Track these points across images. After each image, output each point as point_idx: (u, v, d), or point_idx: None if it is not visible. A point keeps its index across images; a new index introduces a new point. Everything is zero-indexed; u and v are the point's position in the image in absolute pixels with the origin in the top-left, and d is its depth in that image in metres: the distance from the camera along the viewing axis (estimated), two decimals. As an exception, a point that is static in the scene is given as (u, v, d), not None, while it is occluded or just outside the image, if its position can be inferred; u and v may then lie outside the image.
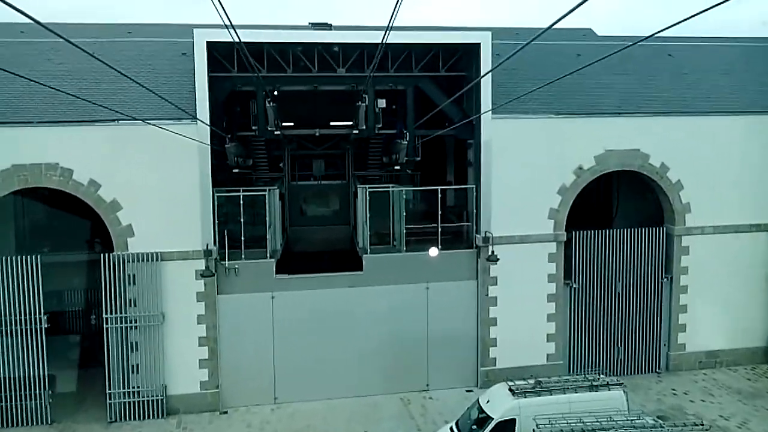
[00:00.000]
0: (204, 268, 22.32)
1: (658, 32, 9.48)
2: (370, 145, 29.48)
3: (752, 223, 26.62)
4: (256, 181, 31.35)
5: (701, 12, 8.27)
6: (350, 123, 28.25)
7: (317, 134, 28.69)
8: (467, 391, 24.86)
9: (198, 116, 21.84)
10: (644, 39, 10.42)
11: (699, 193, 26.09)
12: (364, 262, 24.39)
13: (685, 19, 8.69)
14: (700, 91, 27.14)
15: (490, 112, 23.51)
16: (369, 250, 24.55)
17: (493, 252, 23.90)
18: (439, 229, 24.83)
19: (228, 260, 23.17)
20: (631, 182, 28.45)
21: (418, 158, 27.23)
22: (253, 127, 26.48)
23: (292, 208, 33.20)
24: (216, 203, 23.03)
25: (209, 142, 22.52)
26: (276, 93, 25.29)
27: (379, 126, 26.74)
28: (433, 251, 24.26)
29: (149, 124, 20.09)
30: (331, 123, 29.60)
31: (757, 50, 30.36)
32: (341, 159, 34.08)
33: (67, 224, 25.29)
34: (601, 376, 19.75)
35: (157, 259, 22.49)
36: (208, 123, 22.13)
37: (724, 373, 26.42)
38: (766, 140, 26.49)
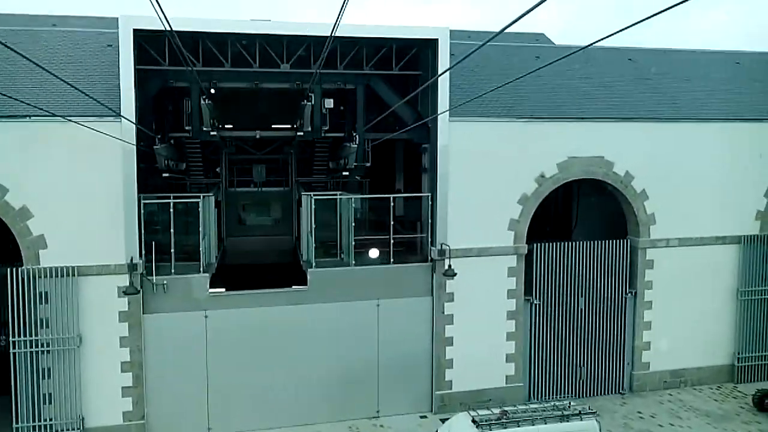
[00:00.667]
0: (128, 284, 19.90)
1: (617, 32, 8.50)
2: (315, 149, 27.48)
3: (719, 235, 25.59)
4: (191, 187, 29.15)
5: (652, 16, 7.94)
6: (294, 125, 26.34)
7: (258, 137, 26.52)
8: (421, 417, 23.05)
9: (122, 113, 19.53)
10: (603, 39, 9.06)
11: (664, 204, 24.91)
12: (308, 277, 22.36)
13: (638, 22, 8.27)
14: (664, 97, 26.02)
15: (448, 114, 21.88)
16: (314, 264, 22.52)
17: (450, 266, 22.15)
18: (391, 241, 22.98)
19: (156, 275, 20.84)
20: (592, 191, 27.20)
21: (368, 164, 25.34)
22: (187, 128, 24.20)
23: (229, 217, 30.96)
24: (143, 211, 20.68)
25: (135, 143, 20.19)
26: (212, 90, 23.14)
27: (326, 128, 24.80)
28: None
29: (68, 120, 17.68)
30: (274, 126, 27.46)
31: (716, 61, 29.50)
32: (284, 164, 32.18)
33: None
34: (572, 403, 18.17)
35: (73, 274, 20.01)
36: (135, 121, 19.79)
37: (689, 393, 25.26)
38: (733, 149, 25.50)
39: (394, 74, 23.88)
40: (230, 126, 26.45)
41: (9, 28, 25.18)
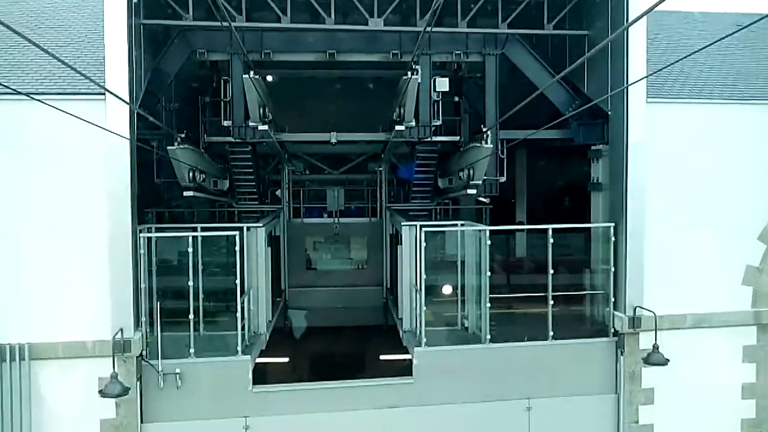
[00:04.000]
0: (111, 375, 12.08)
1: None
2: (417, 158, 19.42)
3: None
4: (240, 216, 21.46)
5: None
6: (386, 127, 18.62)
7: (334, 143, 18.62)
8: None
9: (107, 86, 12.04)
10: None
11: None
12: (414, 361, 14.16)
13: None
14: None
15: (644, 94, 13.69)
16: (424, 339, 14.27)
17: (656, 347, 13.55)
18: (550, 302, 14.56)
19: (163, 358, 13.05)
20: None
21: (503, 178, 17.15)
22: (225, 123, 16.53)
23: (292, 260, 23.09)
24: (143, 252, 13.07)
25: (131, 136, 12.66)
26: (263, 59, 15.65)
27: (437, 123, 16.76)
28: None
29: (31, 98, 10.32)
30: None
31: None
32: (370, 185, 24.28)
33: None
34: None
35: (22, 357, 12.45)
36: (128, 100, 12.27)
37: None
38: None
39: (545, 35, 15.94)
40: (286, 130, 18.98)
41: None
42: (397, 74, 15.87)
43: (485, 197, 17.46)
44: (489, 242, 14.27)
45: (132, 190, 12.79)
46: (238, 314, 13.53)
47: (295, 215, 23.77)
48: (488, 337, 14.26)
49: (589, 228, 16.18)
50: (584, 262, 16.35)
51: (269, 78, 18.98)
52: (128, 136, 12.47)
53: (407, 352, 14.92)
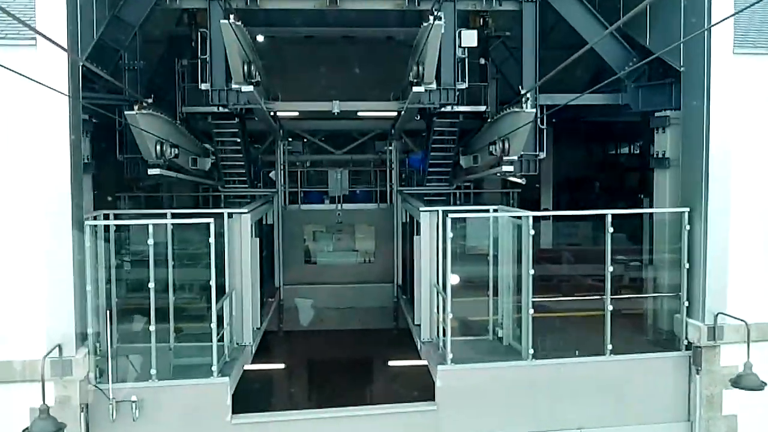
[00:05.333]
0: (42, 409, 9.23)
1: None
2: (434, 133, 16.55)
3: None
4: (226, 201, 18.78)
5: None
6: (398, 94, 15.87)
7: (336, 112, 15.76)
8: None
9: (38, 27, 9.19)
10: None
11: None
12: (438, 382, 11.30)
13: None
14: None
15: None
16: (449, 356, 11.35)
17: (749, 365, 10.69)
18: (608, 308, 11.69)
19: (115, 382, 10.24)
20: None
21: (543, 154, 14.25)
22: (202, 86, 13.67)
23: (288, 253, 20.29)
24: (90, 245, 10.26)
25: (75, 94, 9.82)
26: (249, 6, 12.87)
27: (462, 87, 13.88)
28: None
29: None
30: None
31: None
32: (378, 166, 21.61)
33: None
34: None
35: (-72, 382, 9.69)
36: (67, 47, 9.42)
37: None
38: None
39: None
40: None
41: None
42: (411, 33, 13.20)
43: (520, 177, 14.58)
44: (533, 232, 11.36)
45: (75, 167, 9.94)
46: (213, 324, 10.66)
47: (292, 201, 20.91)
48: (531, 351, 11.39)
49: (649, 214, 13.44)
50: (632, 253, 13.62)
51: (260, 38, 16.24)
52: (67, 91, 9.59)
53: (428, 369, 12.11)
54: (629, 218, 13.86)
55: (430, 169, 18.49)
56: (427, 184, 18.98)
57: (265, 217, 17.35)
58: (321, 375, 19.25)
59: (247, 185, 18.83)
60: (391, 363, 19.35)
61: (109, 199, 16.05)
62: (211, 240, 10.53)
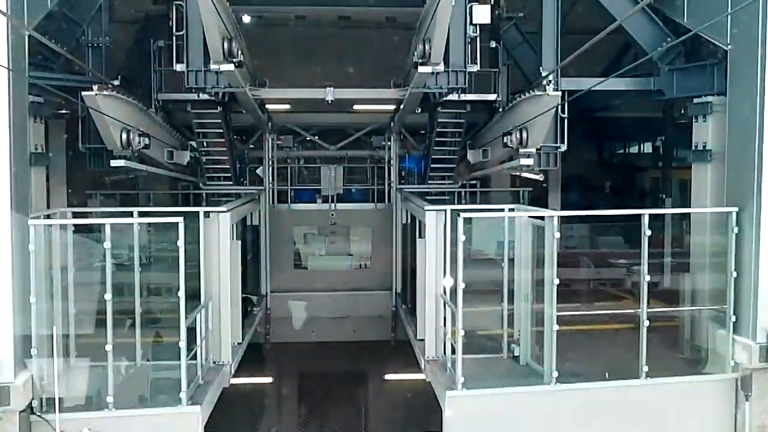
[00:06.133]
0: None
1: None
2: (438, 124, 15.06)
3: None
4: (209, 199, 17.37)
5: None
6: (399, 80, 14.41)
7: (329, 100, 14.23)
8: None
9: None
10: None
11: None
12: (447, 411, 9.71)
13: None
14: None
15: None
16: (460, 378, 9.74)
17: (813, 393, 9.16)
18: (644, 325, 10.11)
19: (62, 412, 8.65)
20: None
21: (564, 146, 12.73)
22: (177, 67, 12.10)
23: (276, 257, 18.79)
24: (33, 247, 8.68)
25: (18, 67, 8.25)
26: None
27: (473, 69, 12.33)
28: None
29: None
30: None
31: None
32: (375, 162, 20.30)
33: None
34: None
35: None
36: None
37: None
38: None
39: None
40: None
41: None
42: (414, 14, 11.79)
43: (538, 173, 13.06)
44: (558, 235, 9.78)
45: (17, 156, 8.36)
46: (182, 342, 9.05)
47: (281, 200, 19.35)
48: (555, 373, 9.80)
49: (685, 214, 11.95)
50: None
51: (246, 18, 14.82)
52: (6, 63, 8.00)
53: (435, 396, 10.57)
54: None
55: (433, 166, 17.04)
56: (429, 183, 17.50)
57: (250, 217, 15.86)
58: (311, 391, 18.01)
59: (232, 183, 17.34)
60: (388, 377, 18.12)
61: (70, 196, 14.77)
62: (180, 243, 8.93)
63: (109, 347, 8.87)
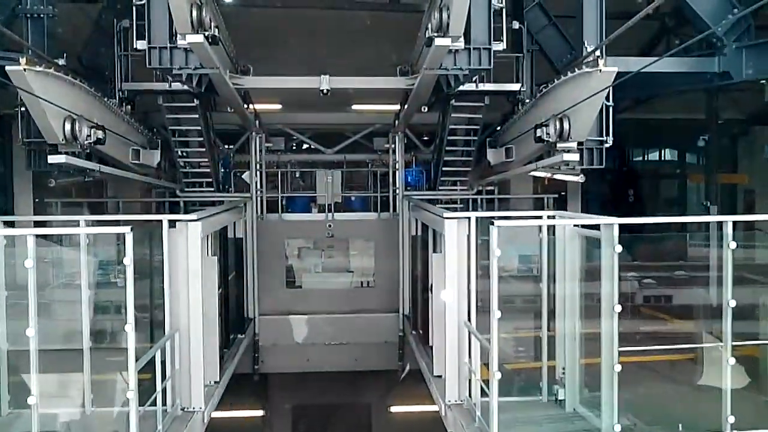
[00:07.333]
0: None
1: None
2: (451, 120, 13.11)
3: None
4: (188, 207, 15.49)
5: None
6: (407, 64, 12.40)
7: (325, 90, 12.20)
8: None
9: None
10: None
11: None
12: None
13: None
14: None
15: None
16: (495, 429, 7.62)
17: None
18: (730, 360, 7.99)
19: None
20: None
21: (610, 141, 10.74)
22: (138, 44, 10.02)
23: (265, 274, 16.79)
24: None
25: None
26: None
27: (498, 48, 10.29)
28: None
29: None
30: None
31: None
32: (379, 165, 18.49)
33: None
34: None
35: None
36: None
37: None
38: None
39: None
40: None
41: None
42: None
43: (578, 173, 10.99)
44: (619, 249, 7.66)
45: None
46: (131, 392, 6.87)
47: (271, 209, 17.32)
48: (618, 428, 7.65)
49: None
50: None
51: (228, -1, 12.88)
52: None
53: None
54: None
55: (444, 170, 15.02)
56: (440, 188, 15.50)
57: (233, 228, 13.76)
58: (307, 427, 15.90)
59: (213, 189, 15.35)
60: (394, 409, 16.21)
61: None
62: (127, 260, 6.77)
63: (32, 399, 6.73)
